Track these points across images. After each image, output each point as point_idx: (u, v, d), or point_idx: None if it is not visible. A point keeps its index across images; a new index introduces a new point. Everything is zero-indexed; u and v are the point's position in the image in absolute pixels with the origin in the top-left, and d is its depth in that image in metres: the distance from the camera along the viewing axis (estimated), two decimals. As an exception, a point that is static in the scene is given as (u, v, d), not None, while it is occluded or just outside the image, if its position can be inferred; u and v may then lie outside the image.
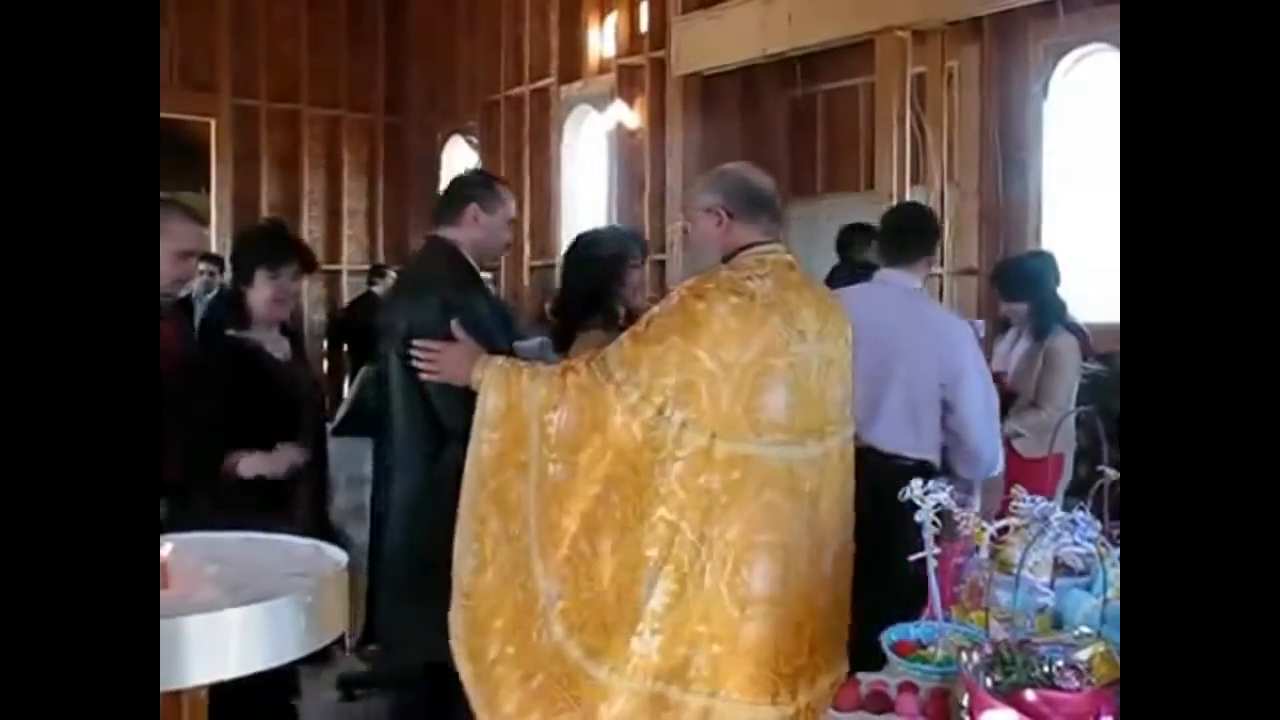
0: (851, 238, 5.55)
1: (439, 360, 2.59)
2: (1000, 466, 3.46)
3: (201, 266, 6.20)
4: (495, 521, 2.44)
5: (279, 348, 2.99)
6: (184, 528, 1.83)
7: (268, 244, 3.03)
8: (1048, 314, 4.04)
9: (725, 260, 2.47)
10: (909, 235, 3.34)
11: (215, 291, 6.58)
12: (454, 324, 2.62)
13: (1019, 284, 4.16)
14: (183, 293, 3.36)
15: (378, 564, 2.95)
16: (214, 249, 8.15)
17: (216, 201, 9.89)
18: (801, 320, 2.38)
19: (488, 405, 2.45)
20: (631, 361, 2.32)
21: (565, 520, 2.35)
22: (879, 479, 2.62)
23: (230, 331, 2.93)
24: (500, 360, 2.51)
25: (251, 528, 1.77)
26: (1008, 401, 3.73)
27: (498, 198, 3.01)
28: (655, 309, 2.42)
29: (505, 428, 2.43)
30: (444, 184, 3.25)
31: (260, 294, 2.90)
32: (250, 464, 2.75)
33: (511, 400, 2.43)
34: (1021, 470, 3.44)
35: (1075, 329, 4.24)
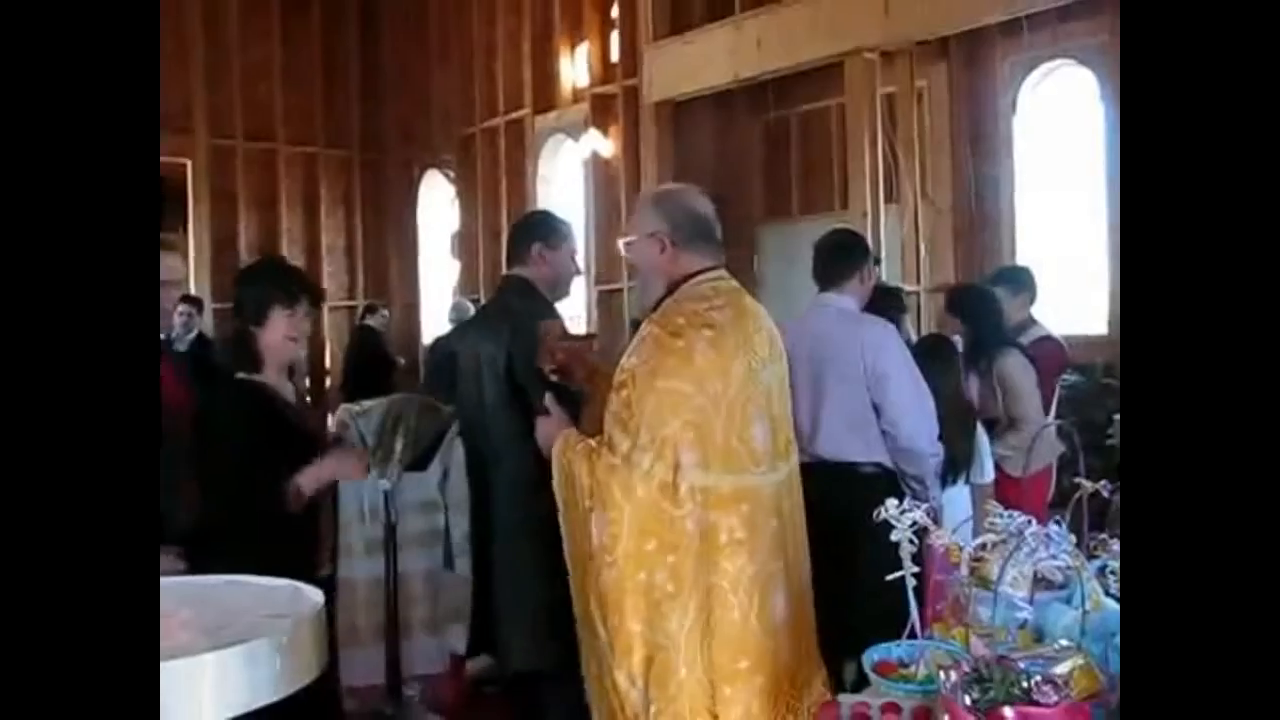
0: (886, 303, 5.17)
1: (538, 429, 2.56)
2: (990, 475, 3.61)
3: (181, 308, 6.16)
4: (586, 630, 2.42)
5: (286, 389, 2.87)
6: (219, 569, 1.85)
7: (281, 279, 2.88)
8: (982, 338, 4.02)
9: (671, 289, 2.42)
10: (836, 260, 3.46)
11: (194, 333, 6.55)
12: (548, 399, 2.58)
13: (959, 306, 4.21)
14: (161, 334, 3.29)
15: (490, 581, 3.13)
16: (193, 290, 8.12)
17: (195, 242, 9.88)
18: (759, 348, 2.39)
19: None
20: (633, 430, 2.27)
21: (628, 623, 2.28)
22: (843, 489, 2.66)
23: (241, 375, 2.78)
24: (557, 452, 2.42)
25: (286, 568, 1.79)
26: (988, 426, 3.77)
27: (558, 233, 3.19)
28: (630, 360, 2.33)
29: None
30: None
31: (275, 333, 2.76)
32: (310, 479, 2.68)
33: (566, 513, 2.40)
34: (1014, 489, 3.49)
35: (1049, 340, 4.28)
